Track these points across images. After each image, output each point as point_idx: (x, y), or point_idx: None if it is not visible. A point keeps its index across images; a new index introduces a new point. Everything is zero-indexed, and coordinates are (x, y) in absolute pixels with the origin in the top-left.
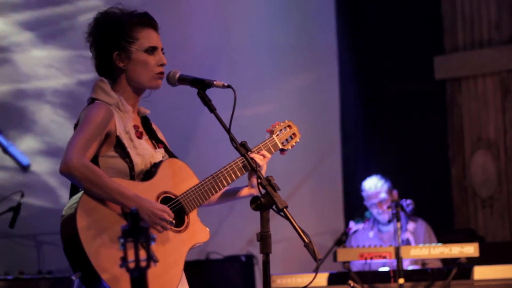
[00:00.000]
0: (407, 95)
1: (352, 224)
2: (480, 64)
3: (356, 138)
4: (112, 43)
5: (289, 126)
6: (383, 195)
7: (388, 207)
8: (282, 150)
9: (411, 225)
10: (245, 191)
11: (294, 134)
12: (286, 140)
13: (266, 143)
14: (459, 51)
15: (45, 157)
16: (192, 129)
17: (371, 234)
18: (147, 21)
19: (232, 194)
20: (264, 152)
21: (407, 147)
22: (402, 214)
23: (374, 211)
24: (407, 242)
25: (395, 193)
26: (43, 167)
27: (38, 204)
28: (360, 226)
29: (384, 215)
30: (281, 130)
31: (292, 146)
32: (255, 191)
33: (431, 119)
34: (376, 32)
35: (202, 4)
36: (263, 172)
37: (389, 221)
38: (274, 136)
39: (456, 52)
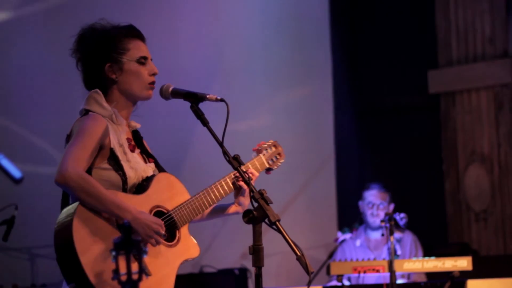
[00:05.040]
0: (401, 109)
1: (339, 235)
2: (474, 78)
3: (350, 152)
4: (103, 55)
5: (274, 145)
6: (382, 200)
7: (382, 221)
8: (268, 170)
9: (397, 235)
10: (232, 209)
11: (279, 154)
12: (272, 159)
13: (254, 161)
14: (453, 65)
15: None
16: (185, 143)
17: (358, 242)
18: (134, 32)
19: (220, 211)
20: (252, 170)
21: (401, 160)
22: (388, 225)
23: (369, 211)
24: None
25: (391, 206)
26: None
27: (32, 217)
28: (347, 236)
29: (375, 218)
30: (266, 149)
31: (277, 166)
32: (241, 209)
33: (425, 133)
34: (370, 46)
35: (196, 18)
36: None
37: (379, 227)
38: (261, 155)
39: (450, 66)
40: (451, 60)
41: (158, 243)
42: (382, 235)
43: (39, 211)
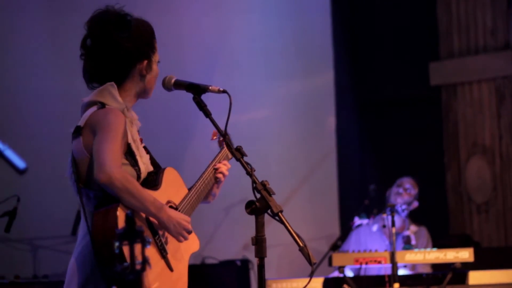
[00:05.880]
0: (402, 101)
1: (356, 219)
2: (476, 70)
3: (352, 144)
4: (143, 51)
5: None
6: (412, 187)
7: (383, 212)
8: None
9: (413, 227)
10: (208, 199)
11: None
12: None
13: (225, 151)
14: (454, 57)
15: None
16: (188, 134)
17: (374, 227)
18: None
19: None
20: (225, 161)
21: (402, 152)
22: (390, 216)
23: (395, 189)
24: (407, 239)
25: (415, 203)
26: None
27: (34, 209)
28: (364, 221)
29: (397, 197)
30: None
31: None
32: (212, 199)
33: (427, 125)
34: (371, 38)
35: (198, 10)
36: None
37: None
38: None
39: (451, 58)
40: (453, 52)
41: (185, 239)
42: (384, 226)
43: (41, 203)
